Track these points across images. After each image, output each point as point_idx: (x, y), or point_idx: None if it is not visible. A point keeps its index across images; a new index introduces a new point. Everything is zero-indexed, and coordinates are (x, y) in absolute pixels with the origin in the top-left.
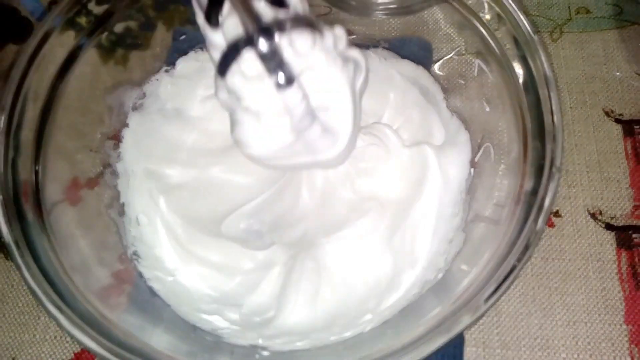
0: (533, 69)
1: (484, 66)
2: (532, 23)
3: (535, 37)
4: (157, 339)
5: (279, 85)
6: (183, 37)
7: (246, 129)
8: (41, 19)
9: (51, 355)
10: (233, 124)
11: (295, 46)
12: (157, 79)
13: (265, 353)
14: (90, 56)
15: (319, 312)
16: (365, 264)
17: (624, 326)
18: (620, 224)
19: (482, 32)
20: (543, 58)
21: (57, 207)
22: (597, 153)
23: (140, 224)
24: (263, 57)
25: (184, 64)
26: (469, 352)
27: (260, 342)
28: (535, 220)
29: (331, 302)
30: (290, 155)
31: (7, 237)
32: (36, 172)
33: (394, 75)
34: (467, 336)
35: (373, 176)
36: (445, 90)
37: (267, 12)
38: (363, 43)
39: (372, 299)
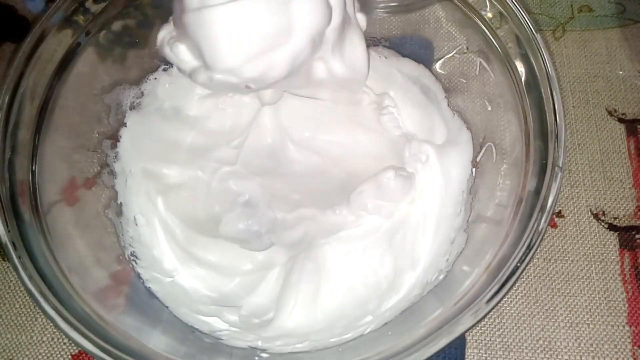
0: (535, 67)
1: (485, 65)
2: (535, 21)
3: (538, 36)
4: (155, 340)
5: None
6: None
7: None
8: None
9: (49, 357)
10: None
11: None
12: (156, 78)
13: (264, 355)
14: (87, 55)
15: (318, 314)
16: (365, 265)
17: (627, 327)
18: (624, 225)
19: (484, 31)
20: (545, 56)
21: (54, 208)
22: (600, 153)
23: (138, 224)
24: None
25: None
26: (470, 354)
27: (259, 344)
28: (538, 221)
29: (331, 304)
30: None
31: (4, 237)
32: (33, 172)
33: (395, 74)
34: (468, 338)
35: None
36: (446, 89)
37: None
38: None
39: (373, 300)
